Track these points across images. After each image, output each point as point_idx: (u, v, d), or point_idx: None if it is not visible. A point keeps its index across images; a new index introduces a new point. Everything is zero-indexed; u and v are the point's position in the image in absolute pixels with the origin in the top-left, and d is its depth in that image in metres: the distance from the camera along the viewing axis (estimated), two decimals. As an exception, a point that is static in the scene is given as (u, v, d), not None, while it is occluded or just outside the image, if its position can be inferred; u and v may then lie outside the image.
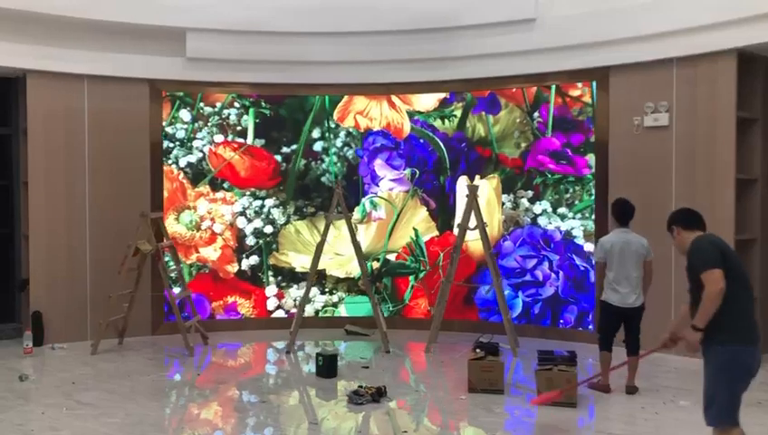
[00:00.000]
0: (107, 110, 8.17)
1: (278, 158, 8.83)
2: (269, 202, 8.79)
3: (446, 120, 8.76)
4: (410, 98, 8.88)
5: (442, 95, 8.76)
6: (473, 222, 7.61)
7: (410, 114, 8.88)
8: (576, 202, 8.10)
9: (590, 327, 7.85)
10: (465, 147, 8.71)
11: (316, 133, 8.91)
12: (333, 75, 8.66)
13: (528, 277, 8.31)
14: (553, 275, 8.22)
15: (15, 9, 7.48)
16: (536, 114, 8.32)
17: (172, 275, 8.05)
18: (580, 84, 7.99)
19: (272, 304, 8.85)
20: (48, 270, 7.95)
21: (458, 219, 8.13)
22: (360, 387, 5.94)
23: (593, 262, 5.93)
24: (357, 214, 8.79)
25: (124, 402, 5.84)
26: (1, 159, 8.59)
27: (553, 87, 8.24)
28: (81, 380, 6.54)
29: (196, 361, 7.39)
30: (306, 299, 7.82)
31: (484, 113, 8.58)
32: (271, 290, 8.83)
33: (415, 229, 8.84)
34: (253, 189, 8.77)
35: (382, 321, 7.74)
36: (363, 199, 8.88)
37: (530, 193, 8.35)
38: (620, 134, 7.66)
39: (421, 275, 8.85)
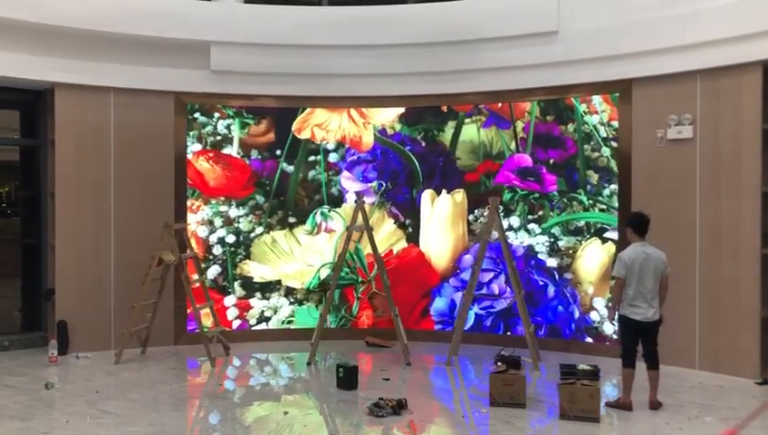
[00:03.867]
0: (133, 121, 8.30)
1: (288, 168, 8.84)
2: (243, 211, 8.77)
3: (431, 134, 8.81)
4: (370, 111, 8.91)
5: (401, 110, 8.84)
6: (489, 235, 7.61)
7: (392, 127, 8.90)
8: (548, 218, 8.26)
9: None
10: (441, 161, 8.77)
11: (331, 145, 8.98)
12: (356, 88, 8.71)
13: (484, 290, 8.40)
14: (509, 290, 8.30)
15: (44, 23, 7.66)
16: (520, 130, 8.40)
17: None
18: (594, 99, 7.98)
19: (232, 313, 8.77)
20: (73, 280, 8.06)
21: (426, 230, 8.48)
22: (381, 399, 5.93)
23: (612, 277, 5.92)
24: (307, 225, 8.85)
25: (147, 412, 5.89)
26: (29, 170, 8.73)
27: (534, 103, 8.30)
28: (104, 389, 6.61)
29: (217, 371, 7.44)
30: (327, 310, 7.83)
31: (495, 127, 8.59)
32: (230, 300, 8.75)
33: (355, 242, 8.85)
34: (222, 198, 8.73)
35: (402, 333, 7.73)
36: (314, 211, 8.91)
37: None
38: (643, 147, 7.62)
39: (360, 286, 8.90)
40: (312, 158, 8.94)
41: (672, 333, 7.29)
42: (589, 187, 8.04)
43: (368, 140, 8.95)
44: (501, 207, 8.38)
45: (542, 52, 8.06)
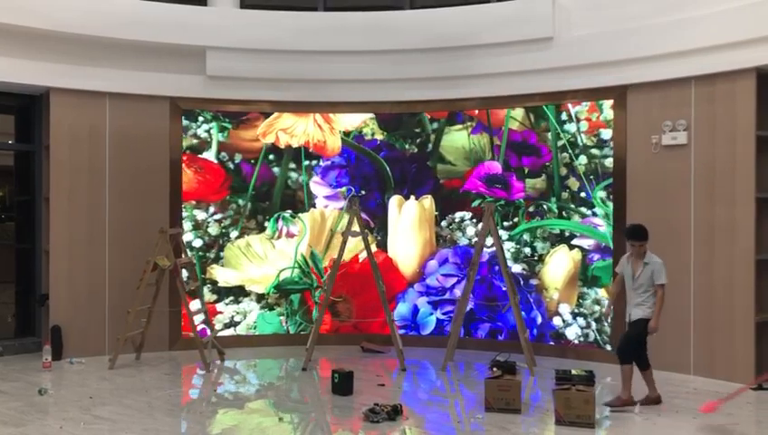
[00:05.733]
0: (128, 127, 8.29)
1: (277, 173, 8.87)
2: (217, 216, 8.72)
3: (409, 141, 8.87)
4: (336, 117, 8.93)
5: (366, 115, 8.87)
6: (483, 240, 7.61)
7: (383, 133, 8.93)
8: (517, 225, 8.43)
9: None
10: (414, 168, 8.84)
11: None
12: (352, 94, 8.73)
13: (447, 295, 8.56)
14: (471, 295, 8.35)
15: (39, 28, 7.65)
16: (495, 138, 8.52)
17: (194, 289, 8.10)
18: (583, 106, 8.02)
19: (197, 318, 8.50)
20: (68, 285, 8.04)
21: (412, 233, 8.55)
22: (376, 405, 5.92)
23: (661, 284, 6.07)
24: (268, 229, 8.83)
25: (141, 417, 5.87)
26: (23, 175, 8.71)
27: (508, 111, 8.41)
28: (98, 394, 6.58)
29: (212, 377, 7.42)
30: (322, 316, 7.81)
31: (487, 134, 8.63)
32: (194, 305, 8.48)
33: (311, 247, 8.87)
34: (194, 202, 8.67)
35: (398, 338, 7.73)
36: (275, 216, 8.88)
37: (467, 214, 8.64)
38: (638, 153, 7.64)
39: (316, 292, 8.89)
40: (306, 162, 8.95)
41: (667, 338, 7.30)
42: (585, 194, 8.08)
43: (332, 144, 8.94)
44: (470, 214, 8.59)
45: (537, 58, 8.08)
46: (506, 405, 5.96)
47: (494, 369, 6.42)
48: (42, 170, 8.40)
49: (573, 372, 6.24)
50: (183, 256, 8.06)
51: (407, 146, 8.91)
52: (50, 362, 7.57)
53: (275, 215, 8.87)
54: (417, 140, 8.90)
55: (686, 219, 7.28)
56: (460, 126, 8.75)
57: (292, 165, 8.93)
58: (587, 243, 8.02)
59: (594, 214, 7.98)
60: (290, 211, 8.88)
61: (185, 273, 8.07)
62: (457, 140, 8.76)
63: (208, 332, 8.06)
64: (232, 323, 8.75)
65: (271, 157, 8.88)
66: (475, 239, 8.54)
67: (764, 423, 5.91)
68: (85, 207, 8.14)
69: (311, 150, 8.91)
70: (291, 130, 8.90)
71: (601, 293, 7.93)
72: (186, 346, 8.30)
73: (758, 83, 6.85)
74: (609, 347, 7.83)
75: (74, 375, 7.38)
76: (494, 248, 7.94)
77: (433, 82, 8.58)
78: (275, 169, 8.89)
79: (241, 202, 8.79)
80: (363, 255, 8.78)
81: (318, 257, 8.90)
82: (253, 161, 8.85)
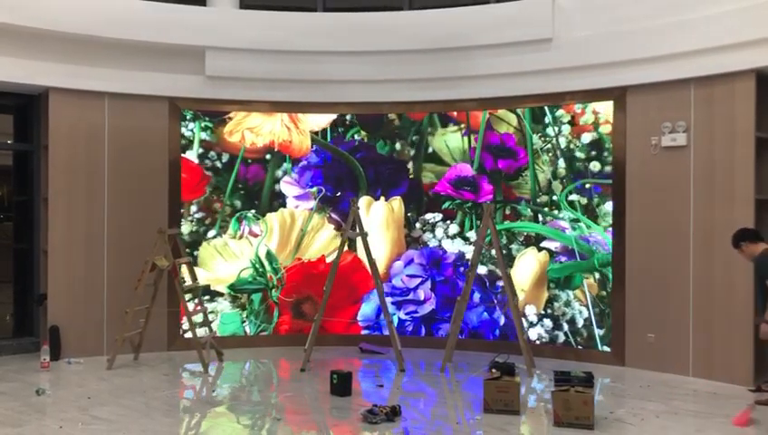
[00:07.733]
0: (127, 127, 8.28)
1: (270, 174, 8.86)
2: (197, 216, 8.69)
3: (388, 143, 8.91)
4: (303, 117, 8.91)
5: (333, 116, 8.89)
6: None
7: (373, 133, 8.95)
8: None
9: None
10: (387, 169, 8.87)
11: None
12: (352, 94, 8.72)
13: (411, 296, 8.66)
14: (434, 296, 8.49)
15: (38, 28, 7.64)
16: (473, 140, 8.56)
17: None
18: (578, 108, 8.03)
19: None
20: (66, 285, 8.03)
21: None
22: (375, 406, 5.91)
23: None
24: (230, 229, 8.80)
25: (139, 418, 5.86)
26: (21, 174, 8.70)
27: (485, 112, 8.45)
28: (96, 395, 6.57)
29: (210, 377, 7.40)
30: (320, 316, 7.80)
31: (472, 136, 8.65)
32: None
33: (266, 246, 8.84)
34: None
35: (397, 339, 7.72)
36: (236, 216, 8.82)
37: (437, 216, 8.69)
38: (637, 154, 7.64)
39: (274, 292, 8.86)
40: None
41: (666, 339, 7.31)
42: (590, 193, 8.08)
43: (299, 145, 8.91)
44: (441, 216, 8.63)
45: (536, 59, 8.08)
46: (505, 407, 5.95)
47: (493, 370, 6.41)
48: (40, 170, 8.38)
49: (572, 373, 6.23)
50: (182, 256, 8.04)
51: (398, 147, 8.89)
52: (48, 363, 7.56)
53: (237, 214, 8.82)
54: (399, 141, 8.89)
55: (685, 221, 7.27)
56: (455, 127, 8.75)
57: (287, 165, 8.92)
58: (554, 245, 8.09)
59: (569, 217, 8.02)
60: (253, 211, 8.84)
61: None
62: (454, 140, 8.75)
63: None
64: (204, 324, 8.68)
65: (268, 157, 8.88)
66: (447, 241, 8.62)
67: (762, 425, 5.90)
68: (84, 207, 8.13)
69: (276, 150, 8.88)
70: (257, 129, 8.86)
71: (572, 295, 8.01)
72: (184, 346, 8.29)
73: (757, 85, 6.86)
74: (580, 347, 7.95)
75: (72, 375, 7.37)
76: (457, 251, 7.96)
77: (431, 83, 8.57)
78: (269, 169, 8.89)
79: (225, 201, 8.77)
80: (333, 256, 8.76)
81: (274, 258, 8.87)
82: (250, 161, 8.83)
